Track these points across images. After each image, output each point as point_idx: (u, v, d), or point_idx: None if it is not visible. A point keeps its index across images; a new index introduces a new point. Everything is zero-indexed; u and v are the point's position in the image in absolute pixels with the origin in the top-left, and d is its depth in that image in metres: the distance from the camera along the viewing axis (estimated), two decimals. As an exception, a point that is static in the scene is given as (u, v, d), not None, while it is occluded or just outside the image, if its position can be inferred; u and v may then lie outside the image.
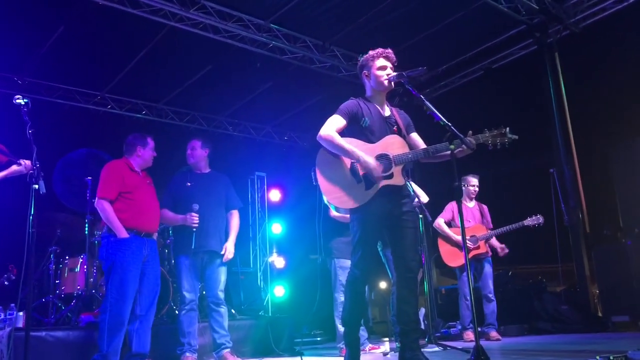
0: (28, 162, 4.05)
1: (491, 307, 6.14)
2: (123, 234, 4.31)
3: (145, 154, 4.65)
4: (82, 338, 4.60)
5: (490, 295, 6.19)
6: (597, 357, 3.05)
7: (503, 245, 6.34)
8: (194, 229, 4.78)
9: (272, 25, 7.23)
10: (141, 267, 4.40)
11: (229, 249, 4.98)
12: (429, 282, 5.48)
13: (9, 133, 4.37)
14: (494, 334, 6.00)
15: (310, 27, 7.40)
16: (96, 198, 4.42)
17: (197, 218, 4.78)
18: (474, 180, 6.47)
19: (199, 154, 5.12)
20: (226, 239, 5.04)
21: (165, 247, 6.34)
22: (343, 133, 3.51)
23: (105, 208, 4.34)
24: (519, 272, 8.22)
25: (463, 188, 6.51)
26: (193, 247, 4.77)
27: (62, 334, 4.60)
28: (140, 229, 4.43)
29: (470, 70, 8.64)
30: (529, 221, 6.09)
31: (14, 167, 4.08)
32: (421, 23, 7.36)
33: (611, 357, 2.96)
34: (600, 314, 6.55)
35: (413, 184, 4.93)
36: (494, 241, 6.35)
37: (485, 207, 6.55)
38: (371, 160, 3.37)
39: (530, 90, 7.71)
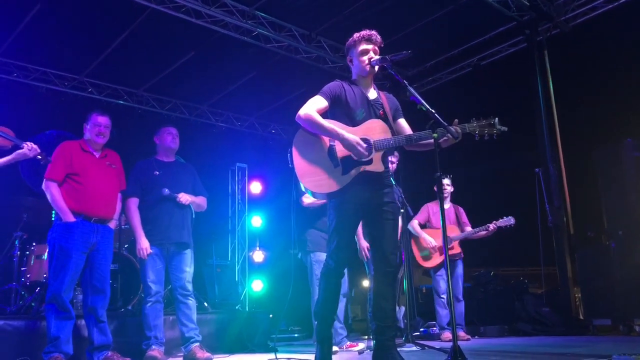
0: (33, 146, 3.98)
1: (459, 308, 6.13)
2: (69, 217, 4.11)
3: (89, 132, 4.41)
4: (44, 328, 4.36)
5: (460, 296, 6.19)
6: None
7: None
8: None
9: (257, 12, 7.05)
10: (88, 255, 4.19)
11: (184, 195, 4.73)
12: (409, 281, 5.33)
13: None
14: (462, 334, 6.00)
15: (296, 16, 7.23)
16: (44, 179, 4.22)
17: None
18: (444, 180, 6.35)
19: (178, 141, 4.97)
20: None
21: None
22: (325, 115, 3.35)
23: (51, 190, 4.15)
24: (501, 273, 8.14)
25: (435, 188, 6.40)
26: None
27: (21, 323, 4.38)
28: (89, 214, 4.20)
29: (458, 66, 8.53)
30: (500, 223, 6.00)
31: (19, 151, 3.99)
32: (410, 17, 7.23)
33: (594, 361, 2.82)
34: (581, 317, 6.47)
35: None
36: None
37: (461, 208, 6.46)
38: (353, 136, 3.19)
39: (518, 88, 7.63)
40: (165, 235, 4.66)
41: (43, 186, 4.22)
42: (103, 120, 4.46)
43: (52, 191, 4.15)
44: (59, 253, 4.10)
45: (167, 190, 4.65)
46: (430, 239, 6.16)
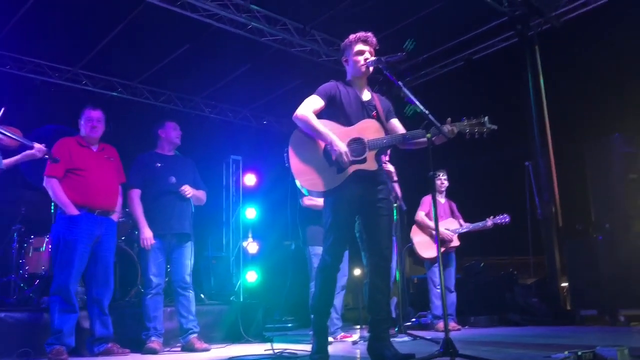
0: (42, 146, 4.04)
1: (451, 299, 6.26)
2: (72, 210, 4.20)
3: (84, 127, 4.49)
4: (44, 320, 4.44)
5: (452, 287, 6.32)
6: (566, 352, 3.02)
7: None
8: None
9: (251, 5, 7.08)
10: (92, 247, 4.28)
11: (188, 187, 4.82)
12: (402, 272, 5.44)
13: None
14: (452, 324, 6.12)
15: (291, 9, 7.26)
16: (44, 177, 4.30)
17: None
18: (441, 175, 6.46)
19: (179, 135, 5.06)
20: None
21: (135, 228, 6.19)
22: (320, 115, 3.43)
23: (52, 186, 4.24)
24: (491, 263, 8.28)
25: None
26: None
27: (22, 315, 4.45)
28: (92, 207, 4.29)
29: (450, 60, 8.60)
30: (496, 220, 6.17)
31: (27, 152, 4.05)
32: (403, 11, 7.28)
33: (579, 353, 2.94)
34: (569, 308, 6.62)
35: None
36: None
37: (454, 204, 6.59)
38: (342, 146, 3.28)
39: (509, 83, 7.71)
40: (167, 226, 4.73)
41: (44, 183, 4.29)
42: (95, 114, 4.54)
43: (54, 187, 4.23)
44: (64, 246, 4.18)
45: (174, 178, 4.72)
46: (444, 230, 6.25)
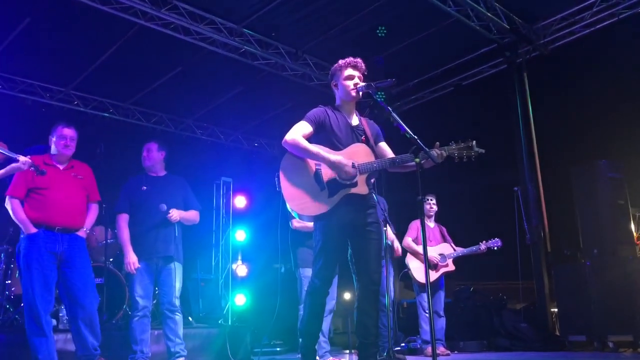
0: (27, 159, 4.01)
1: (440, 323, 6.25)
2: (29, 228, 4.16)
3: (56, 145, 4.45)
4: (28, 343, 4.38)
5: (441, 312, 6.31)
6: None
7: None
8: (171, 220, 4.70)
9: (244, 30, 7.16)
10: (58, 265, 4.21)
11: (175, 212, 4.79)
12: (389, 296, 5.41)
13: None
14: (442, 349, 6.09)
15: (283, 34, 7.35)
16: (6, 197, 4.27)
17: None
18: (430, 200, 6.50)
19: (154, 156, 4.99)
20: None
21: (120, 250, 6.16)
22: (310, 140, 3.46)
23: (13, 206, 4.22)
24: (481, 288, 8.26)
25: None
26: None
27: (7, 337, 4.40)
28: (51, 224, 4.23)
29: (440, 86, 8.71)
30: (488, 244, 6.24)
31: (13, 165, 4.01)
32: (394, 37, 7.39)
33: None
34: (557, 333, 6.61)
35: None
36: None
37: (444, 228, 6.62)
38: (338, 157, 3.31)
39: (498, 108, 7.80)
40: (153, 249, 4.72)
41: (5, 203, 4.26)
42: (69, 132, 4.49)
43: (13, 206, 4.22)
44: (24, 265, 4.13)
45: (164, 206, 4.70)
46: (432, 255, 6.26)
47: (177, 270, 4.84)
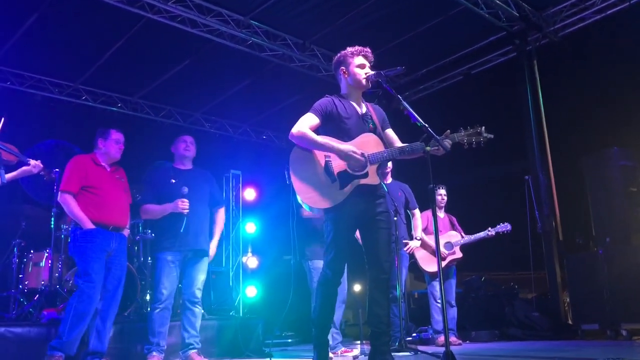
0: (38, 162, 4.11)
1: (452, 313, 6.24)
2: (88, 224, 4.24)
3: (107, 147, 4.52)
4: (44, 335, 4.41)
5: (452, 301, 6.30)
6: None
7: None
8: (185, 214, 4.64)
9: (252, 21, 7.14)
10: (106, 261, 4.30)
11: (212, 249, 4.93)
12: (400, 286, 5.40)
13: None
14: (453, 339, 6.07)
15: (290, 25, 7.33)
16: (59, 192, 4.34)
17: (187, 203, 4.62)
18: (441, 190, 6.48)
19: (194, 149, 5.03)
20: (210, 237, 4.96)
21: (135, 244, 6.19)
22: (318, 132, 3.44)
23: (67, 201, 4.27)
24: (492, 278, 8.24)
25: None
26: (182, 230, 4.62)
27: (22, 330, 4.42)
28: (106, 223, 4.34)
29: (449, 75, 8.66)
30: (497, 228, 6.20)
31: (24, 168, 4.10)
32: (402, 26, 7.35)
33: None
34: (570, 322, 6.58)
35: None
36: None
37: (454, 218, 6.61)
38: (349, 146, 3.30)
39: (508, 97, 7.74)
40: (184, 242, 4.67)
41: (59, 198, 4.34)
42: (122, 137, 4.62)
43: (69, 202, 4.27)
44: (83, 260, 4.22)
45: (186, 188, 4.69)
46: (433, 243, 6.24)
47: (204, 264, 4.85)
